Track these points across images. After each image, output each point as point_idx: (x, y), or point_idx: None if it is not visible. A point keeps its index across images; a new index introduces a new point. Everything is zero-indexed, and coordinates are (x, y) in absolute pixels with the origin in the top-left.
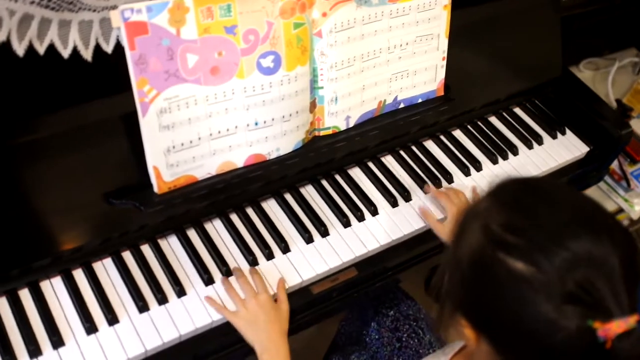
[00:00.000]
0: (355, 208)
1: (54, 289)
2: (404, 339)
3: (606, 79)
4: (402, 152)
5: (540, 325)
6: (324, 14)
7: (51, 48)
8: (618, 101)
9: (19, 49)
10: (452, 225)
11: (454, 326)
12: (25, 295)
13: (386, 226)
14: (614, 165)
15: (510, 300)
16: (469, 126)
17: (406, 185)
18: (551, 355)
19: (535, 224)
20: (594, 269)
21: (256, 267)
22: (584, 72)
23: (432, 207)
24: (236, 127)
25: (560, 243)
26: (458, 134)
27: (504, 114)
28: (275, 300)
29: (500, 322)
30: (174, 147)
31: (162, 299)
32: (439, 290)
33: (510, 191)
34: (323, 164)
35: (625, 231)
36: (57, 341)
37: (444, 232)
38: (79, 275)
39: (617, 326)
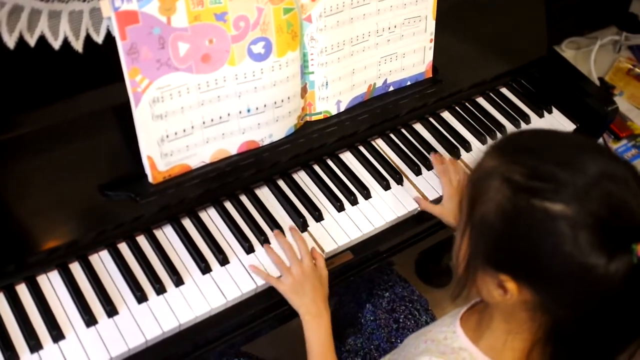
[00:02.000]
0: (348, 192)
1: (52, 282)
2: (401, 320)
3: (588, 58)
4: (392, 135)
5: (586, 258)
6: None
7: (42, 40)
8: (600, 79)
9: (10, 41)
10: (451, 203)
11: (480, 287)
12: (22, 290)
13: (380, 209)
14: (599, 142)
15: (553, 242)
16: (457, 107)
17: (397, 168)
18: (598, 284)
19: (555, 164)
20: (618, 185)
21: (254, 254)
22: (566, 52)
23: (423, 188)
24: (229, 114)
25: (583, 172)
26: (446, 115)
27: (491, 94)
28: None
29: (545, 265)
30: (167, 136)
31: (160, 289)
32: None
33: (518, 142)
34: (315, 149)
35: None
36: (57, 335)
37: (447, 213)
38: (75, 268)
39: None
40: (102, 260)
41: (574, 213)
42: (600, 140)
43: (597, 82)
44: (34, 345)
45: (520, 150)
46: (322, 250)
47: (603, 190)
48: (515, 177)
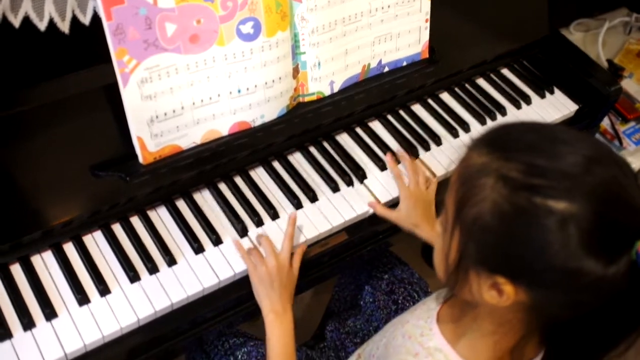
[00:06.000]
0: (343, 173)
1: (45, 263)
2: (400, 302)
3: (597, 40)
4: (389, 117)
5: (591, 257)
6: None
7: (27, 21)
8: (609, 61)
9: None
10: (407, 207)
11: (470, 290)
12: (16, 270)
13: (375, 190)
14: (606, 124)
15: (558, 241)
16: (456, 89)
17: (394, 149)
18: (601, 283)
19: (550, 158)
20: (614, 170)
21: (247, 235)
22: (575, 34)
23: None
24: (219, 95)
25: (579, 163)
26: (445, 96)
27: (492, 75)
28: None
29: (548, 266)
30: (157, 117)
31: (152, 269)
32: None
33: (507, 137)
34: (310, 130)
35: None
36: (49, 313)
37: (403, 218)
38: (69, 248)
39: None
40: (95, 241)
41: (578, 210)
42: (607, 122)
43: (606, 64)
44: (27, 323)
45: (511, 145)
46: (317, 230)
47: (601, 179)
48: (512, 174)
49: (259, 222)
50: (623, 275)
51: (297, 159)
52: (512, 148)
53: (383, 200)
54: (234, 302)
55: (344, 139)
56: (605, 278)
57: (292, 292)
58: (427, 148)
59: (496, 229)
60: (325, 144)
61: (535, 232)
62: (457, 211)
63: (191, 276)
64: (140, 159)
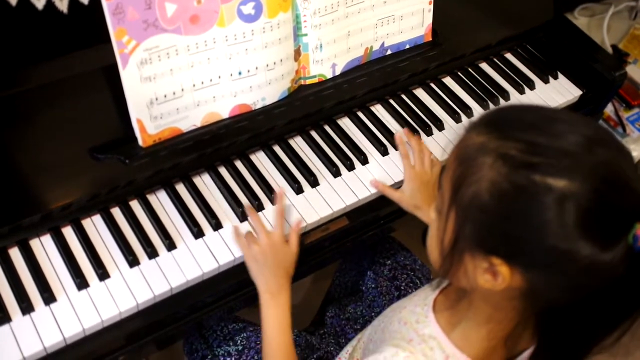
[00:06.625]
0: (345, 157)
1: (44, 246)
2: (402, 288)
3: (602, 25)
4: (391, 101)
5: (588, 237)
6: None
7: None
8: (614, 47)
9: None
10: (410, 188)
11: (465, 273)
12: (15, 253)
13: (377, 174)
14: (610, 111)
15: (556, 220)
16: (459, 73)
17: (399, 131)
18: (598, 264)
19: (550, 137)
20: (612, 151)
21: (247, 220)
22: (579, 19)
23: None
24: (219, 77)
25: (579, 143)
26: (448, 81)
27: (495, 59)
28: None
29: (545, 246)
30: (156, 99)
31: (152, 253)
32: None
33: (506, 117)
34: (311, 114)
35: None
36: (48, 297)
37: (406, 199)
38: (68, 232)
39: None
40: (95, 225)
41: (577, 188)
42: (611, 108)
43: (610, 50)
44: (26, 307)
45: (511, 124)
46: (318, 215)
47: (602, 159)
48: (512, 152)
49: (259, 207)
50: (620, 260)
51: (298, 143)
52: (511, 127)
53: (386, 184)
54: (234, 286)
55: (346, 123)
56: (601, 262)
57: (290, 270)
58: (429, 133)
59: (494, 207)
60: (327, 128)
61: (533, 210)
62: (453, 192)
63: (191, 261)
64: (140, 142)
